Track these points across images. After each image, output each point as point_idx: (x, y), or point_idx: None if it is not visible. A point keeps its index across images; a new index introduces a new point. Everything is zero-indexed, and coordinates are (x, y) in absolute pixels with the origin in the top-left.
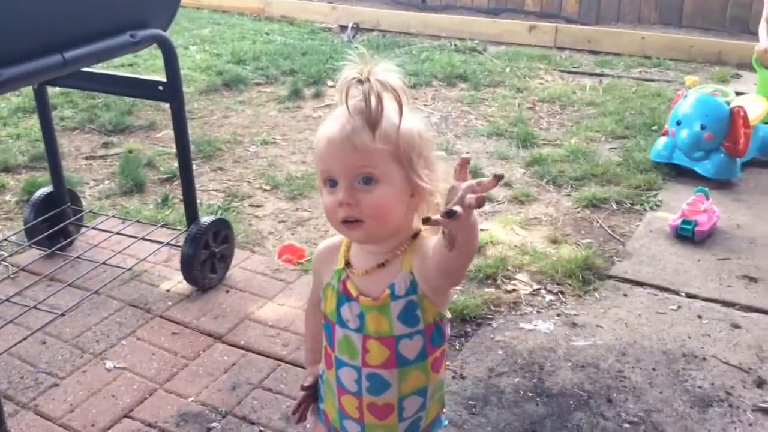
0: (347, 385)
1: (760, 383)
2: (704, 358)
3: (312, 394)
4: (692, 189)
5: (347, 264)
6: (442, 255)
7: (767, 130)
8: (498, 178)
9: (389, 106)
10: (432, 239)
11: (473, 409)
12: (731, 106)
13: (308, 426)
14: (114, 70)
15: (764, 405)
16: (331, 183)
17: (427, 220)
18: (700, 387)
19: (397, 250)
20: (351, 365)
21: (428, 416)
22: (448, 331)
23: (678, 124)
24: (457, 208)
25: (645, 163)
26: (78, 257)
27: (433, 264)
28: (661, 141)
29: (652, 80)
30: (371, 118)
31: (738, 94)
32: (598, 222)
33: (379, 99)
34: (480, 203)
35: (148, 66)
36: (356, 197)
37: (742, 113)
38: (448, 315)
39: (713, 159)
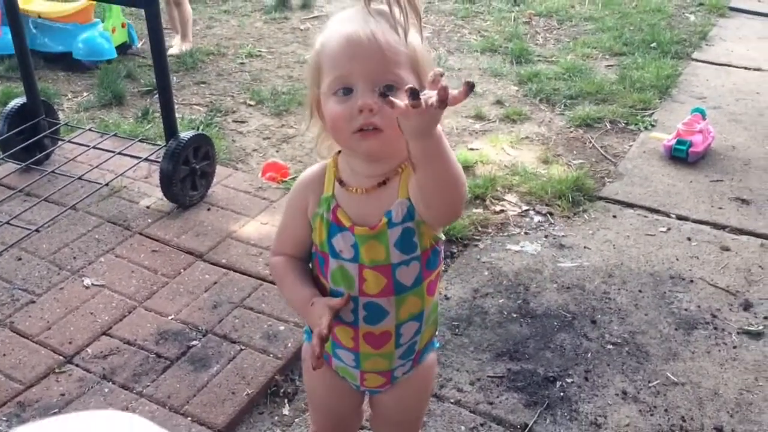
0: (343, 315)
1: (746, 306)
2: (692, 281)
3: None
4: (688, 109)
5: (340, 182)
6: (414, 180)
7: (101, 37)
8: (469, 87)
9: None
10: None
11: (456, 330)
12: None
13: (289, 346)
14: None
15: (749, 328)
16: (345, 91)
17: (382, 94)
18: (686, 309)
19: (398, 167)
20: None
21: (422, 340)
22: (443, 252)
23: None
24: (422, 94)
25: (641, 82)
26: (54, 171)
27: (413, 193)
28: None
29: None
30: (398, 21)
31: None
32: (590, 142)
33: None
34: (442, 98)
35: None
36: (377, 104)
37: None
38: (443, 237)
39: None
